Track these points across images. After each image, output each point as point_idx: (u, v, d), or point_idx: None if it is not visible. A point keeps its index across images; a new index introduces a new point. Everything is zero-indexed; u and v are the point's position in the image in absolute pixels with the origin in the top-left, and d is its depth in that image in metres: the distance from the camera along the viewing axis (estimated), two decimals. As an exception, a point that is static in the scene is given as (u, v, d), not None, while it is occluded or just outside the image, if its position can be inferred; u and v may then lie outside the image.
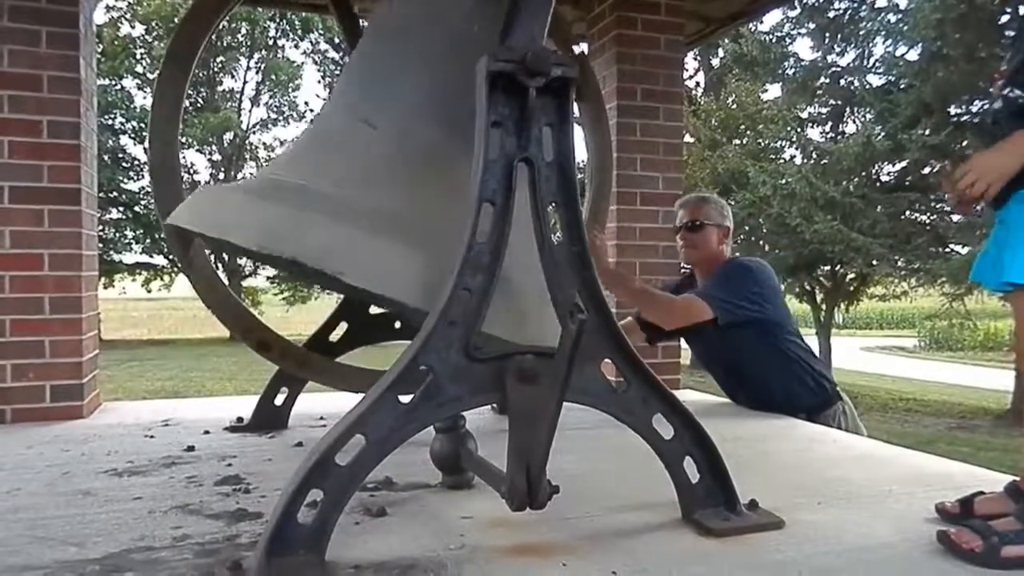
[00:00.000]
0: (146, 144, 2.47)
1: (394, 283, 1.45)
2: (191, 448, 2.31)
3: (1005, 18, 9.29)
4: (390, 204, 1.54)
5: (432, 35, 1.79)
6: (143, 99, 21.57)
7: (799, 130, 12.71)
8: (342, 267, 1.42)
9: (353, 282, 1.42)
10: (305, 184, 1.59)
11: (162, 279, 24.36)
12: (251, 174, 24.84)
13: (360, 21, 2.65)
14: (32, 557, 1.42)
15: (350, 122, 1.75)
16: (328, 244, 1.44)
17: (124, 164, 21.73)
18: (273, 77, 23.95)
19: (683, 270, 3.36)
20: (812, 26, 11.60)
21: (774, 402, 2.88)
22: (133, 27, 22.00)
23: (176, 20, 16.32)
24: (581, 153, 3.53)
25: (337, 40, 21.60)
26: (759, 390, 2.93)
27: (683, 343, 3.50)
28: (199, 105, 22.60)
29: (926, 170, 10.72)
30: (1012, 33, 8.29)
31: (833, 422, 2.76)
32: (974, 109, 10.04)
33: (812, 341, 12.89)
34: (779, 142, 13.54)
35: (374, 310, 2.58)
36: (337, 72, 22.26)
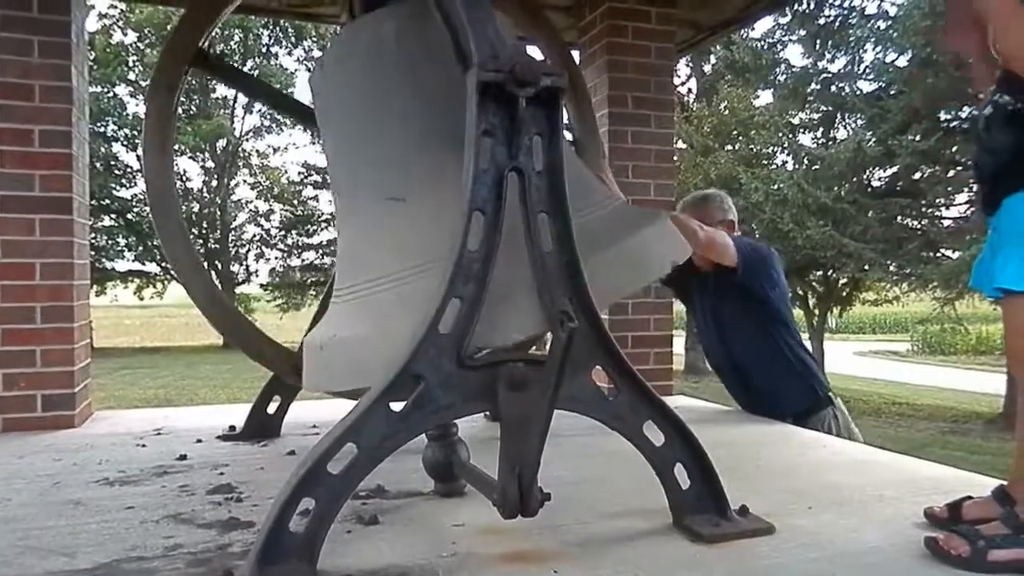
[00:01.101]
0: (140, 155, 2.44)
1: (525, 322, 1.46)
2: (183, 457, 2.31)
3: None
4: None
5: (395, 82, 1.73)
6: (135, 106, 21.62)
7: (791, 136, 12.79)
8: (493, 339, 1.43)
9: (510, 342, 1.45)
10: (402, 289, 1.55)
11: (154, 287, 24.29)
12: (244, 181, 24.93)
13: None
14: (23, 568, 1.42)
15: (381, 203, 1.68)
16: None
17: (116, 171, 21.70)
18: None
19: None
20: (803, 33, 11.69)
21: (759, 383, 2.88)
22: (125, 34, 22.04)
23: (168, 28, 16.28)
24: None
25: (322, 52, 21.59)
26: (748, 378, 2.94)
27: (679, 346, 3.51)
28: (192, 112, 22.58)
29: (917, 175, 10.79)
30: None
31: (823, 427, 2.77)
32: (963, 115, 10.12)
33: (806, 345, 12.93)
34: (771, 148, 13.62)
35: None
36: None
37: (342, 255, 1.82)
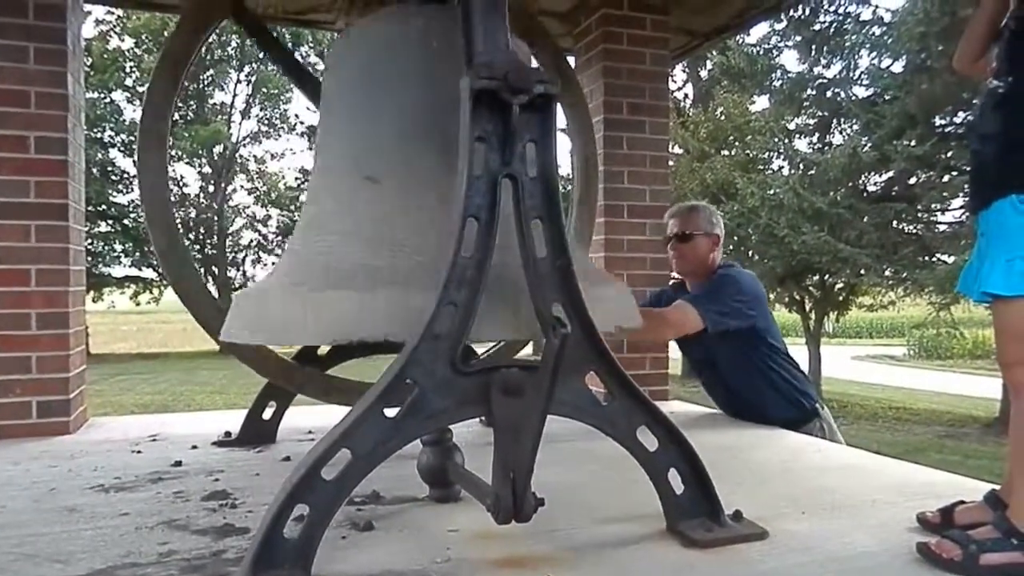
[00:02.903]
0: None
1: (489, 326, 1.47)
2: (178, 463, 2.30)
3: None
4: (428, 255, 1.54)
5: (397, 68, 1.79)
6: (132, 112, 21.62)
7: (786, 141, 12.81)
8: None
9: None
10: (355, 261, 1.58)
11: (151, 292, 24.26)
12: (241, 187, 24.94)
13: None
14: (18, 575, 1.42)
15: (356, 181, 1.72)
16: (395, 314, 1.45)
17: (113, 177, 21.71)
18: (263, 90, 23.97)
19: (672, 281, 3.39)
20: (798, 39, 11.71)
21: (749, 409, 2.92)
22: (122, 40, 22.06)
23: (165, 33, 16.30)
24: (566, 167, 3.58)
25: (326, 54, 21.64)
26: (734, 396, 2.99)
27: (675, 350, 3.53)
28: (189, 118, 22.60)
29: (912, 180, 10.82)
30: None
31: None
32: (958, 120, 10.16)
33: (802, 350, 13.03)
34: (767, 153, 13.63)
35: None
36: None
37: (303, 217, 1.90)
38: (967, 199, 1.89)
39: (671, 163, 4.15)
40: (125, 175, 21.81)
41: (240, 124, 24.48)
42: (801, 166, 11.99)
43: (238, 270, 24.67)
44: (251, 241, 25.04)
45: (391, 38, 1.84)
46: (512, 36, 1.57)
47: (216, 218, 23.69)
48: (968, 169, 1.67)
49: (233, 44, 22.66)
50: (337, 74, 1.98)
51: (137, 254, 21.73)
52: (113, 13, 21.47)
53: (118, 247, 22.01)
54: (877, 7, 11.03)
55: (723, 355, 2.87)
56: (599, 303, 1.54)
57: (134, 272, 22.93)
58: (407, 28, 1.81)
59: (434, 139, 1.62)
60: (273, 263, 24.52)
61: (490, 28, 1.46)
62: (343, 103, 1.90)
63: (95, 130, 20.45)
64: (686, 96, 18.25)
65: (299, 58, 23.79)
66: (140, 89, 20.69)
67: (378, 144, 1.75)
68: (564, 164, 3.90)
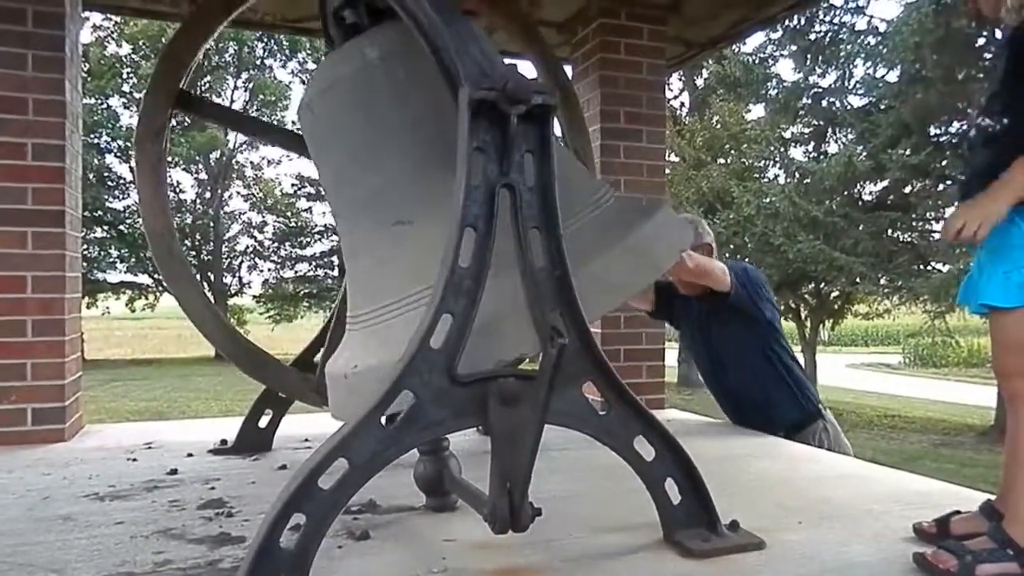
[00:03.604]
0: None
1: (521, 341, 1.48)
2: (174, 471, 2.30)
3: (981, 41, 9.49)
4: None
5: (385, 107, 1.72)
6: (129, 118, 21.60)
7: (782, 150, 12.86)
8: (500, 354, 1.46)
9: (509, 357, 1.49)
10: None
11: (146, 298, 24.19)
12: (237, 193, 24.92)
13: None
14: (11, 584, 1.41)
15: (387, 230, 1.68)
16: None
17: (109, 183, 21.67)
18: (261, 96, 23.99)
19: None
20: (794, 48, 11.78)
21: (755, 410, 2.90)
22: (120, 46, 22.06)
23: (163, 40, 16.33)
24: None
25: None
26: (741, 395, 2.95)
27: (672, 358, 3.53)
28: (185, 124, 22.58)
29: (907, 189, 10.87)
30: (990, 56, 8.49)
31: (814, 440, 2.78)
32: (952, 130, 10.22)
33: (798, 358, 12.96)
34: (762, 161, 13.69)
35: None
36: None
37: (352, 282, 1.81)
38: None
39: (667, 171, 4.16)
40: (121, 181, 21.79)
41: (237, 130, 24.49)
42: (797, 175, 12.04)
43: (234, 276, 24.63)
44: (247, 247, 25.02)
45: (353, 75, 1.73)
46: (491, 43, 1.57)
47: (212, 224, 23.67)
48: (961, 182, 1.69)
49: (231, 50, 22.69)
50: (315, 133, 1.88)
51: (133, 260, 21.67)
52: (111, 19, 21.50)
53: (114, 252, 21.96)
54: (872, 17, 11.12)
55: (733, 349, 2.86)
56: (664, 227, 1.59)
57: (129, 278, 22.86)
58: (365, 62, 1.71)
59: (443, 160, 1.60)
60: (268, 269, 24.51)
61: (461, 39, 1.46)
62: (334, 159, 1.84)
63: (92, 136, 20.44)
64: (682, 104, 18.29)
65: (299, 64, 23.75)
66: (137, 95, 20.71)
67: (391, 185, 1.69)
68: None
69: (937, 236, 10.44)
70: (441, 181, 1.55)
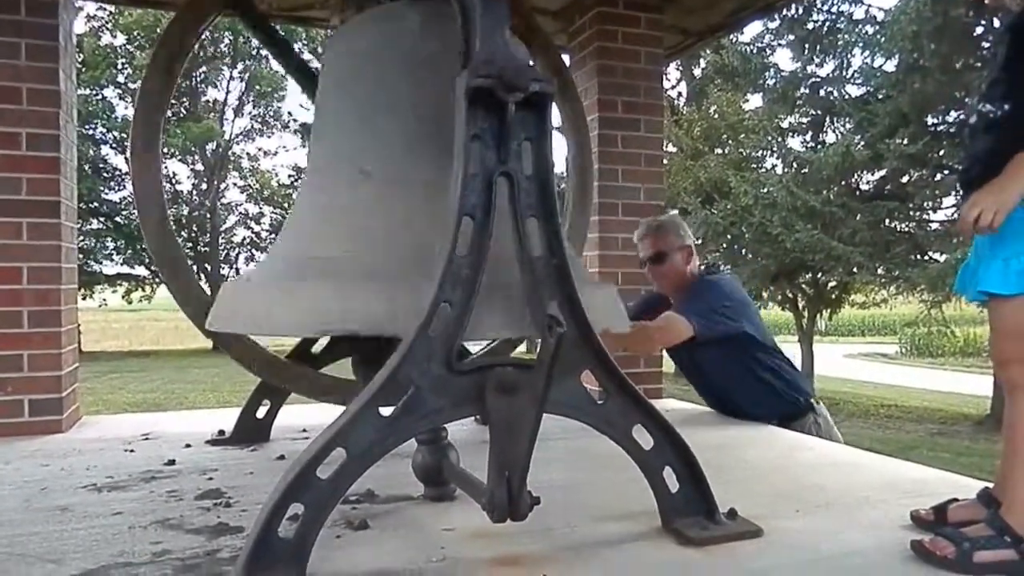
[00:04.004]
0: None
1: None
2: (172, 462, 2.29)
3: (979, 30, 9.46)
4: (416, 251, 1.53)
5: (391, 66, 1.78)
6: (124, 109, 21.51)
7: (779, 139, 12.82)
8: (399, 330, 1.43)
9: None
10: (330, 254, 1.58)
11: (143, 290, 24.15)
12: (234, 184, 24.86)
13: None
14: (9, 574, 1.41)
15: (346, 175, 1.72)
16: (382, 310, 1.45)
17: (105, 174, 21.58)
18: (257, 87, 23.88)
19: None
20: (792, 38, 11.73)
21: (740, 412, 2.95)
22: (115, 37, 21.92)
23: (158, 30, 16.22)
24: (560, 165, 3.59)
25: (321, 51, 21.58)
26: (725, 400, 3.03)
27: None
28: (181, 115, 22.49)
29: (905, 179, 10.85)
30: (988, 44, 8.47)
31: (804, 433, 2.79)
32: (950, 119, 10.21)
33: (795, 348, 13.07)
34: (760, 151, 13.64)
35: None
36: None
37: (292, 208, 1.92)
38: (961, 199, 1.91)
39: (665, 161, 4.15)
40: (117, 172, 21.69)
41: (233, 121, 24.44)
42: (794, 164, 12.01)
43: (231, 267, 24.58)
44: (244, 239, 24.97)
45: (386, 35, 1.82)
46: (512, 37, 1.57)
47: (209, 215, 23.60)
48: (960, 169, 1.68)
49: (226, 40, 22.55)
50: (331, 73, 1.96)
51: (129, 251, 21.61)
52: (105, 9, 21.36)
53: (110, 244, 21.90)
54: (870, 6, 11.06)
55: (711, 361, 2.90)
56: (588, 305, 1.53)
57: (126, 270, 22.82)
58: (402, 25, 1.80)
59: (431, 137, 1.62)
60: (266, 260, 24.45)
61: (489, 26, 1.45)
62: (337, 101, 1.89)
63: (87, 127, 20.33)
64: (680, 94, 18.25)
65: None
66: (132, 86, 20.60)
67: (372, 140, 1.74)
68: (559, 163, 3.90)
69: (935, 226, 10.45)
70: (430, 160, 1.59)
